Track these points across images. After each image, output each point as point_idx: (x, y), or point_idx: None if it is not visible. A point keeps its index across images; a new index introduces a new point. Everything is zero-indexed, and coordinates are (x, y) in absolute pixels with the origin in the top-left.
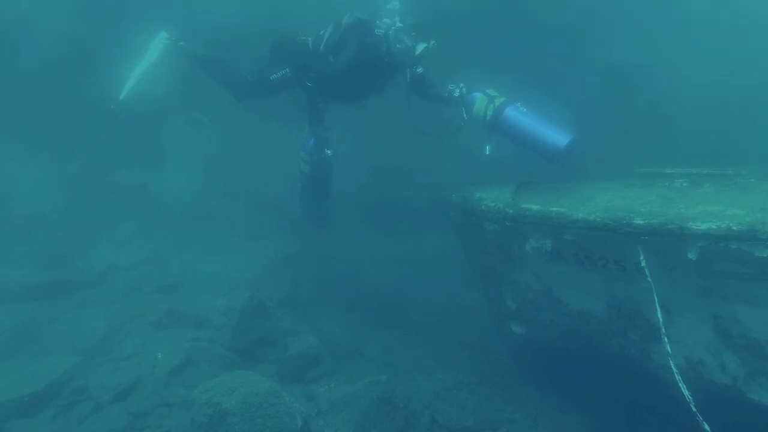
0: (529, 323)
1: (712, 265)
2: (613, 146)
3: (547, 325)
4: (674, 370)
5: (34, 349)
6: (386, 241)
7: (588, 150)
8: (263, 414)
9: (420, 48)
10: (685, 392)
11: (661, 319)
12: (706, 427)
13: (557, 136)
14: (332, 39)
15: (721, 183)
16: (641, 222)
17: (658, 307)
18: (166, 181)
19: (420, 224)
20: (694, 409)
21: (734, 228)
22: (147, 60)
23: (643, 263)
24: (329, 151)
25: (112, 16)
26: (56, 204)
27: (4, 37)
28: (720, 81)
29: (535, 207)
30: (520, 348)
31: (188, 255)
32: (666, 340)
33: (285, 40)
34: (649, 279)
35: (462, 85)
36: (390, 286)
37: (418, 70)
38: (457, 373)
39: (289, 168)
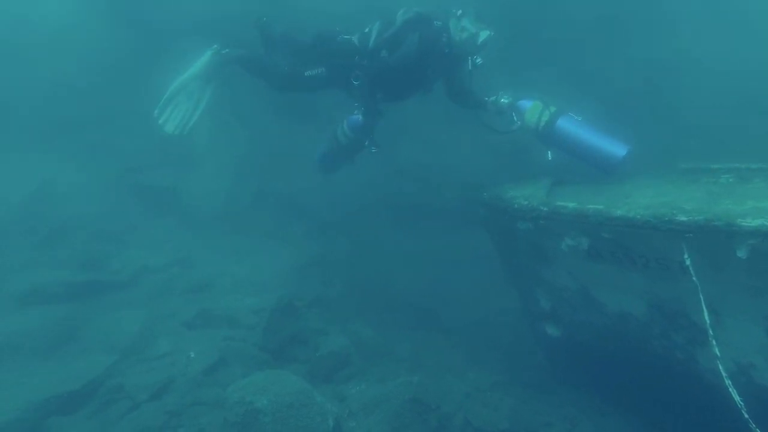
0: (564, 324)
1: (764, 263)
2: (659, 142)
3: (583, 326)
4: (723, 374)
5: (72, 348)
6: (416, 242)
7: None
8: (295, 414)
9: (483, 35)
10: (736, 397)
11: (708, 321)
12: None
13: (613, 148)
14: (387, 35)
15: None
16: (685, 219)
17: (704, 308)
18: (197, 183)
19: (450, 224)
20: (746, 416)
21: None
22: (194, 69)
23: (688, 262)
24: (374, 149)
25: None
26: (92, 207)
27: (41, 45)
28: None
29: (570, 205)
30: (556, 349)
31: (218, 256)
32: (714, 342)
33: (324, 39)
34: (695, 279)
35: (508, 92)
36: (420, 287)
37: (477, 60)
38: (491, 375)
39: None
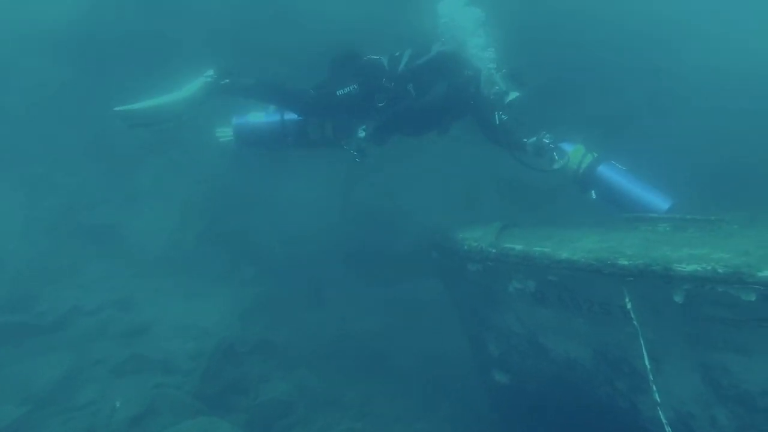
0: (512, 371)
1: (700, 309)
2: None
3: (531, 374)
4: (664, 421)
5: None
6: (371, 287)
7: None
8: None
9: (511, 96)
10: None
11: (648, 367)
12: None
13: (657, 200)
14: (417, 65)
15: (704, 228)
16: (626, 263)
17: (645, 353)
18: (141, 222)
19: (407, 270)
20: None
21: (720, 270)
22: (180, 93)
23: (629, 306)
24: (357, 159)
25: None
26: (26, 245)
27: None
28: None
29: (518, 247)
30: (503, 398)
31: (158, 298)
32: (654, 388)
33: (351, 58)
34: (635, 323)
35: (549, 134)
36: (373, 333)
37: (502, 116)
38: (438, 424)
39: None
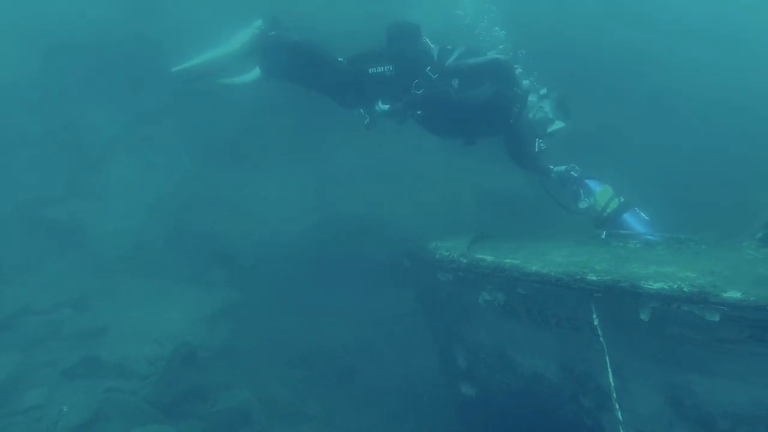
0: (480, 384)
1: (666, 328)
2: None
3: (498, 388)
4: None
5: None
6: (343, 296)
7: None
8: None
9: (556, 126)
10: None
11: (612, 384)
12: None
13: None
14: (469, 62)
15: (672, 247)
16: (595, 278)
17: (610, 371)
18: (106, 220)
19: (379, 279)
20: None
21: (686, 290)
22: (229, 45)
23: (596, 322)
24: (367, 120)
25: None
26: None
27: None
28: None
29: (489, 258)
30: (470, 411)
31: (119, 300)
32: (617, 407)
33: (407, 33)
34: (602, 339)
35: (577, 167)
36: (342, 343)
37: (542, 144)
38: None
39: (243, 219)
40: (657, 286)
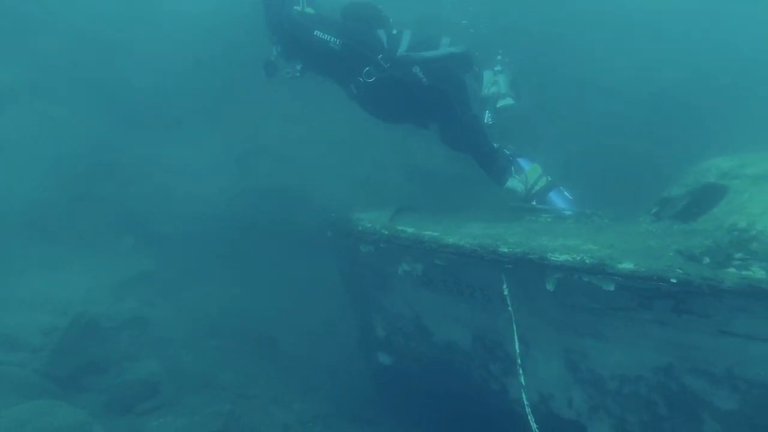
0: (396, 353)
1: (568, 297)
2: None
3: (414, 356)
4: (526, 403)
5: None
6: (263, 265)
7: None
8: None
9: (506, 101)
10: (533, 425)
11: (518, 351)
12: None
13: None
14: (427, 56)
15: (580, 221)
16: (506, 250)
17: (516, 338)
18: None
19: (302, 249)
20: None
21: (587, 261)
22: None
23: (506, 292)
24: (297, 73)
25: None
26: None
27: None
28: None
29: (409, 230)
30: (386, 379)
31: (10, 266)
32: (521, 372)
33: (364, 17)
34: (510, 309)
35: (511, 146)
36: (261, 313)
37: (488, 120)
38: (317, 405)
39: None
40: (562, 258)
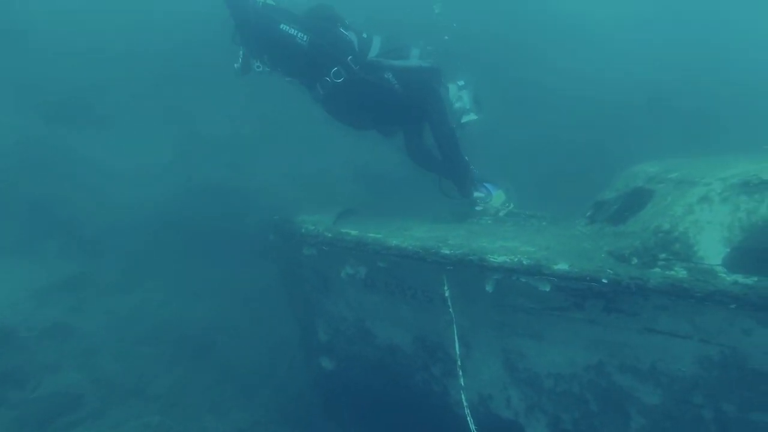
0: (339, 357)
1: (506, 298)
2: None
3: (356, 360)
4: (465, 404)
5: None
6: (203, 270)
7: None
8: None
9: (470, 117)
10: (472, 427)
11: (458, 352)
12: None
13: None
14: (398, 65)
15: (519, 223)
16: (448, 252)
17: (456, 339)
18: None
19: (244, 253)
20: None
21: (525, 262)
22: None
23: (447, 294)
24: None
25: None
26: None
27: None
28: None
29: (353, 232)
30: (329, 384)
31: None
32: (461, 373)
33: (326, 17)
34: (451, 310)
35: (475, 168)
36: (198, 319)
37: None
38: (255, 413)
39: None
40: (500, 259)
